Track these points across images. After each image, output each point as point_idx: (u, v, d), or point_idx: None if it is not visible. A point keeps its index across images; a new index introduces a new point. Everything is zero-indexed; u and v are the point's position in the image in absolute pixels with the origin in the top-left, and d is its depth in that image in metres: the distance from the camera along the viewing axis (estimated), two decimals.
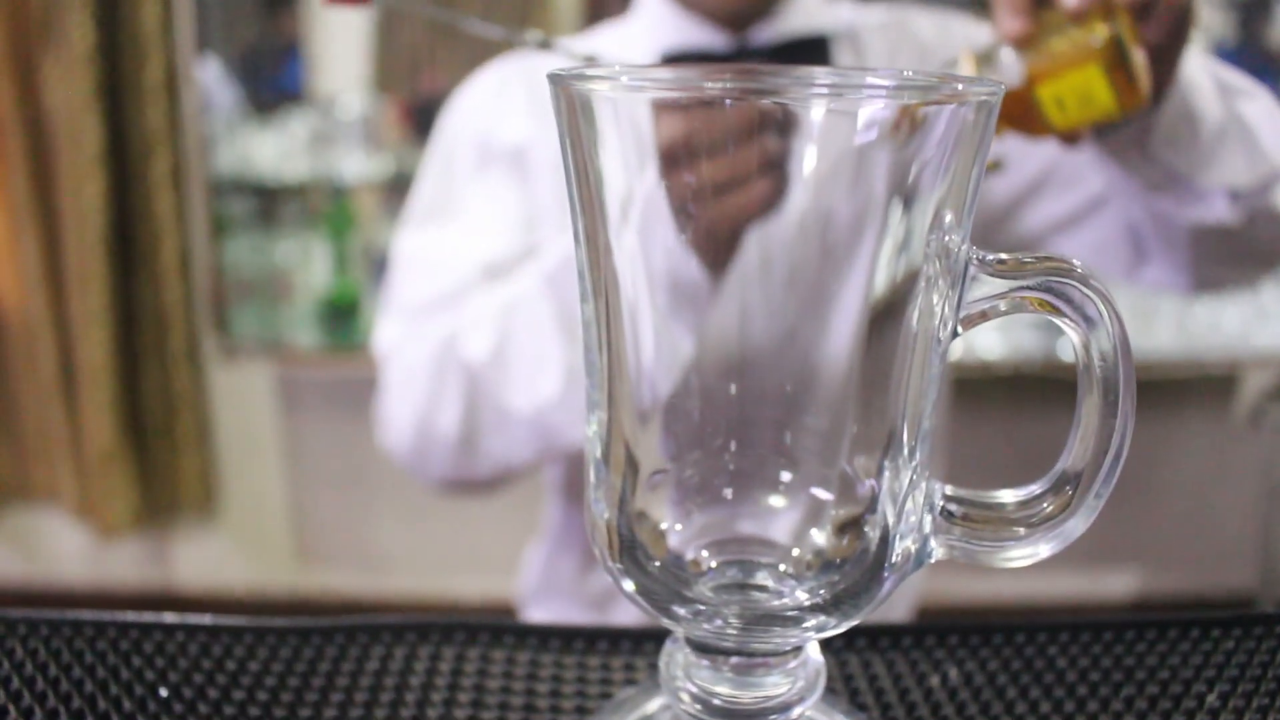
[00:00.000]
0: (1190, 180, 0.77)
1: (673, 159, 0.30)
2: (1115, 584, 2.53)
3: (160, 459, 2.43)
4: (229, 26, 2.45)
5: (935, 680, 0.46)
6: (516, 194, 0.96)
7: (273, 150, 2.37)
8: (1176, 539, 2.49)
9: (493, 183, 0.97)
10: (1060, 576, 2.45)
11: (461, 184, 0.98)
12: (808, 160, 0.30)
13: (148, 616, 0.48)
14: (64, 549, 2.55)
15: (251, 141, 2.39)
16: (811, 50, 0.94)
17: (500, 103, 0.99)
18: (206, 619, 0.48)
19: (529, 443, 0.87)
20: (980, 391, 2.25)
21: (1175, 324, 2.28)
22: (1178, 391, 2.39)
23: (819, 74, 0.33)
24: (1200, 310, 2.30)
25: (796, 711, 0.35)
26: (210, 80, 2.32)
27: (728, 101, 0.28)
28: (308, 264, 2.42)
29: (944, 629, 0.49)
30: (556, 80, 0.30)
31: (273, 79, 2.54)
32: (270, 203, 2.50)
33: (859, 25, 0.98)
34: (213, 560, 2.57)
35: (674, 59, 0.93)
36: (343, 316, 2.37)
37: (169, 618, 0.48)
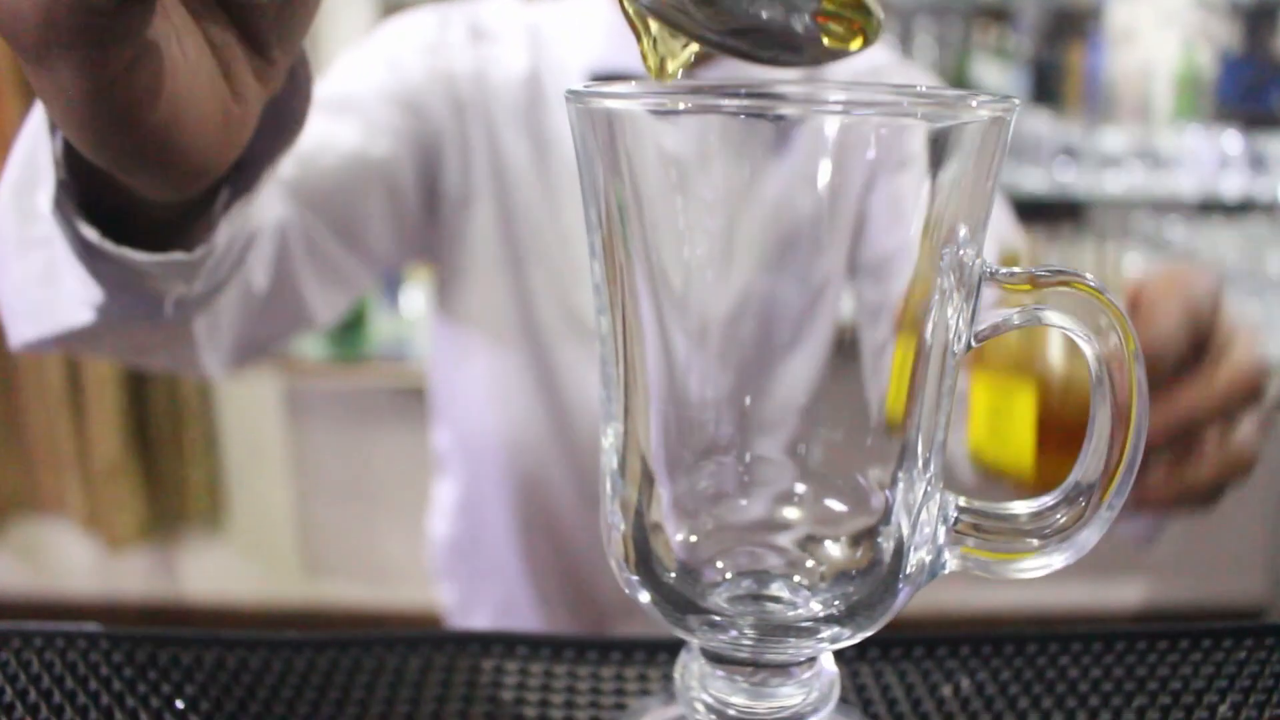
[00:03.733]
0: None
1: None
2: (1123, 593, 2.53)
3: (167, 471, 2.43)
4: None
5: (948, 690, 0.46)
6: (392, 128, 0.85)
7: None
8: (1184, 548, 2.49)
9: (384, 93, 0.86)
10: (1068, 586, 2.45)
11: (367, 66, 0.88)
12: (823, 173, 0.30)
13: (158, 631, 0.48)
14: (71, 561, 2.55)
15: None
16: None
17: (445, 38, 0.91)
18: (222, 633, 0.48)
19: None
20: None
21: None
22: None
23: (834, 89, 0.34)
24: None
25: None
26: None
27: (742, 117, 0.28)
28: None
29: (956, 639, 0.49)
30: (576, 97, 0.31)
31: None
32: None
33: (821, 72, 0.92)
34: (220, 572, 2.57)
35: (602, 79, 0.87)
36: (349, 328, 2.37)
37: (185, 632, 0.48)
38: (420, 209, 0.89)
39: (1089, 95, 2.62)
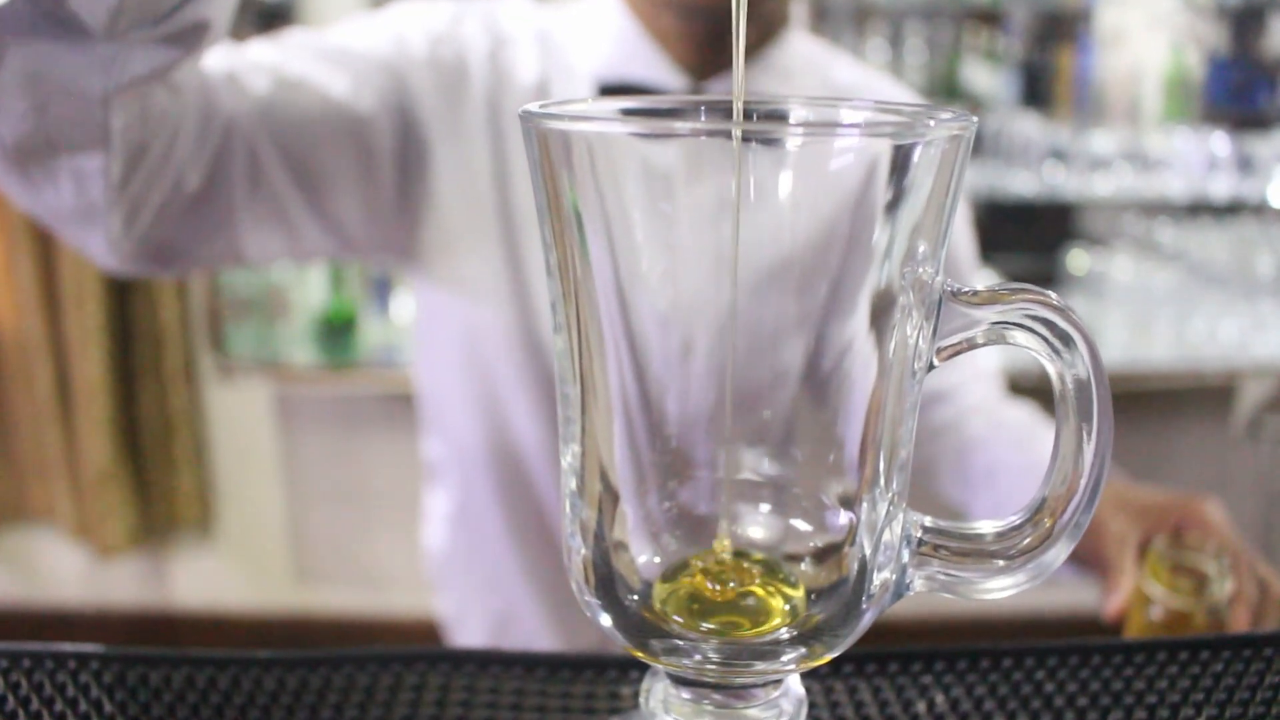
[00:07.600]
0: None
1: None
2: None
3: (157, 478, 2.42)
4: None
5: (922, 707, 0.45)
6: (379, 89, 0.85)
7: None
8: None
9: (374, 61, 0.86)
10: (1057, 588, 2.45)
11: (368, 28, 0.88)
12: (784, 193, 0.30)
13: (135, 650, 0.48)
14: (61, 569, 2.54)
15: None
16: None
17: (455, 31, 0.92)
18: (213, 653, 0.48)
19: None
20: None
21: (1173, 335, 2.28)
22: (1176, 402, 2.39)
23: (793, 106, 0.33)
24: (1198, 321, 2.30)
25: None
26: None
27: (702, 138, 0.28)
28: (304, 282, 2.42)
29: (931, 654, 0.48)
30: (530, 118, 0.30)
31: None
32: None
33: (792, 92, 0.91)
34: (210, 579, 2.56)
35: (611, 91, 0.87)
36: (339, 334, 2.37)
37: (176, 652, 0.48)
38: (395, 189, 0.88)
39: (1078, 97, 2.62)
